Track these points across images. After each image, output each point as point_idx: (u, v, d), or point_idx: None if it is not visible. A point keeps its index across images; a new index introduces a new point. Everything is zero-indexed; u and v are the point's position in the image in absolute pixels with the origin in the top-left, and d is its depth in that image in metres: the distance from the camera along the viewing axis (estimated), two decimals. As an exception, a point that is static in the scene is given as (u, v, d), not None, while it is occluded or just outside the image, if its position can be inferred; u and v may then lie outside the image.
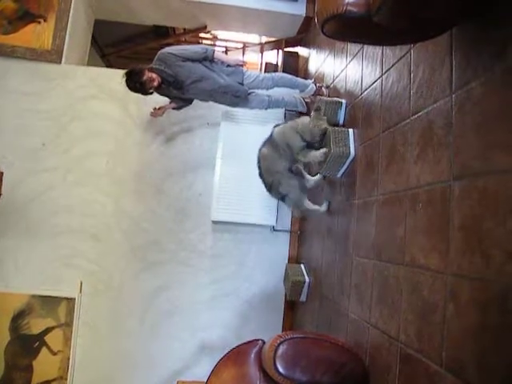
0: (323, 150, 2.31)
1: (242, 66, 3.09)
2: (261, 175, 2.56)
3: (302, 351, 1.75)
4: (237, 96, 2.99)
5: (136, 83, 2.79)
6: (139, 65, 2.87)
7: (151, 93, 2.92)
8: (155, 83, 2.81)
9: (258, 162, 2.54)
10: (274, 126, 2.56)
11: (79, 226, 3.38)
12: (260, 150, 2.53)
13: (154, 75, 2.81)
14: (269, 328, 3.35)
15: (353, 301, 2.03)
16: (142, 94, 2.89)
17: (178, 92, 2.96)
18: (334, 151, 2.20)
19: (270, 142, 2.50)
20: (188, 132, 3.58)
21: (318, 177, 2.66)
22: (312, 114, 2.38)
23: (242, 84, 2.99)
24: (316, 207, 2.61)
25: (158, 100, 3.18)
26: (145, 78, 2.77)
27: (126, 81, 2.81)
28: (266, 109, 3.21)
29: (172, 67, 2.83)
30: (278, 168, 2.48)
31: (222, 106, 3.24)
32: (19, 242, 3.32)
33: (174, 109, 3.23)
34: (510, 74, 1.04)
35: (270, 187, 2.55)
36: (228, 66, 2.98)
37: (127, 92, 2.90)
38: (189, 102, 3.17)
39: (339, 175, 2.37)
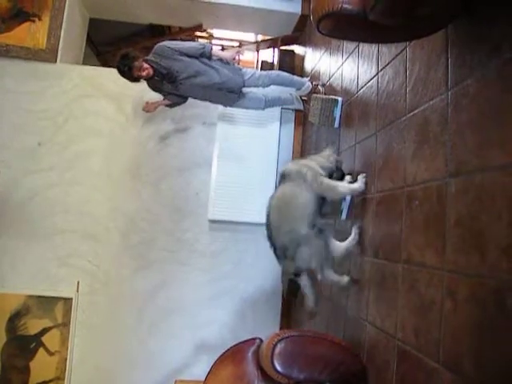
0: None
1: (238, 57, 3.05)
2: (270, 237, 2.02)
3: (300, 349, 1.75)
4: (231, 91, 2.97)
5: (125, 66, 2.74)
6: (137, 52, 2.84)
7: (137, 80, 2.86)
8: (144, 73, 2.78)
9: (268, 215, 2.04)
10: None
11: (76, 226, 3.36)
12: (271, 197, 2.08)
13: (147, 65, 2.78)
14: (266, 327, 3.35)
15: (350, 299, 2.04)
16: (128, 79, 2.83)
17: (172, 86, 2.91)
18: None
19: (283, 179, 2.04)
20: (185, 131, 3.57)
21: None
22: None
23: (239, 78, 2.96)
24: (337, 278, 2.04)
25: (153, 97, 3.15)
26: (136, 63, 2.74)
27: (118, 62, 2.77)
28: (264, 109, 3.19)
29: (168, 60, 2.80)
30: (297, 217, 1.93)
31: (218, 105, 3.23)
32: (15, 242, 3.30)
33: (167, 106, 3.17)
34: (504, 70, 1.04)
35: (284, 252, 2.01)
36: (226, 63, 2.97)
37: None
38: (183, 99, 3.11)
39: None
